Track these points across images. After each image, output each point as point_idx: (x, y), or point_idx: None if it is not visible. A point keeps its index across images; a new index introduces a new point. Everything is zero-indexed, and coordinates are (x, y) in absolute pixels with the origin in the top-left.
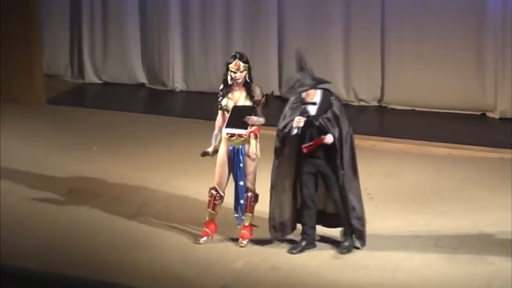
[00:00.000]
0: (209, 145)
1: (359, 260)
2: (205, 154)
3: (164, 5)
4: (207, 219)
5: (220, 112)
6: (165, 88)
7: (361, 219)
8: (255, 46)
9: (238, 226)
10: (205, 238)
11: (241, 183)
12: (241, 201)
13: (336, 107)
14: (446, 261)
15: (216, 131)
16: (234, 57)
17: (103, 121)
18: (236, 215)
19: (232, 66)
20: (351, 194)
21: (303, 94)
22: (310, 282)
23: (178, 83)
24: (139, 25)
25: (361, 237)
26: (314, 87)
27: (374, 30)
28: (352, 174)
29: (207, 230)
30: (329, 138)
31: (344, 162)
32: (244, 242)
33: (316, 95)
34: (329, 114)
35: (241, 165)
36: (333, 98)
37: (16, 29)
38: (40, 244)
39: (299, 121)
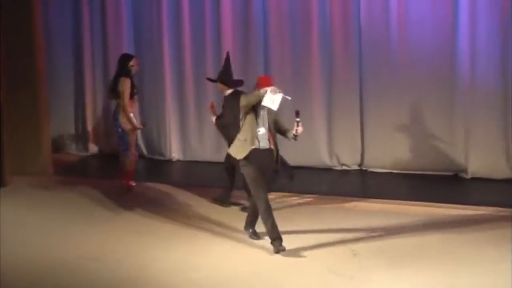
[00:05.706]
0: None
1: None
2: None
3: (161, 86)
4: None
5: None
6: (163, 158)
7: None
8: None
9: None
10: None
11: None
12: None
13: None
14: None
15: None
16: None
17: (105, 189)
18: None
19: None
20: None
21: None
22: None
23: (175, 153)
24: (138, 103)
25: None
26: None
27: (354, 102)
28: None
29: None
30: None
31: None
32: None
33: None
34: None
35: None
36: None
37: (25, 108)
38: None
39: None
